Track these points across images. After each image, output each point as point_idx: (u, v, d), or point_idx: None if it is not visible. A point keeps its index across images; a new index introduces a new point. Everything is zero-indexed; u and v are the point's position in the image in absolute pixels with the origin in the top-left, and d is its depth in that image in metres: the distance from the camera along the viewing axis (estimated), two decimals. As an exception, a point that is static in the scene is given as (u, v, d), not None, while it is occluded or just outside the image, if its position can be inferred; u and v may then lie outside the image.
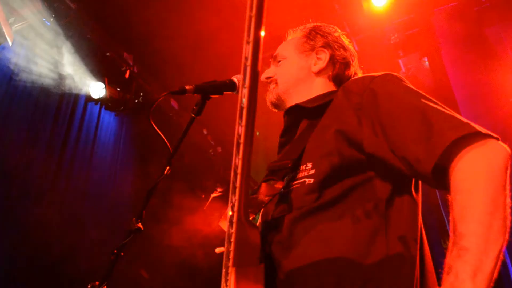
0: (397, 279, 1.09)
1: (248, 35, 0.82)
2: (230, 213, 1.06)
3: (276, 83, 1.59)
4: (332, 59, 1.56)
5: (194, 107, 1.57)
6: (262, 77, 1.62)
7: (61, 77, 4.76)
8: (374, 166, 1.21)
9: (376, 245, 1.12)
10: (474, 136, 1.03)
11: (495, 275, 0.89)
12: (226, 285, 1.14)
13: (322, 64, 1.55)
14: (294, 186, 1.25)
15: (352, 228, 1.15)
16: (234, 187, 0.98)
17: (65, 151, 4.69)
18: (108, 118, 5.44)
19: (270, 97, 1.60)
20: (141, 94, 5.37)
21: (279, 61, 1.62)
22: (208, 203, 6.17)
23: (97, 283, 1.42)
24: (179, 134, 1.57)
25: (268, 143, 7.43)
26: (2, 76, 4.21)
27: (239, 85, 1.58)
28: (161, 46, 4.81)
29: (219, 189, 6.31)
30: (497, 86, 5.03)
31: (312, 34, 1.61)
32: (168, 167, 1.55)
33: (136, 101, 5.29)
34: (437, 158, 1.03)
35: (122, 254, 1.48)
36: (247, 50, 0.83)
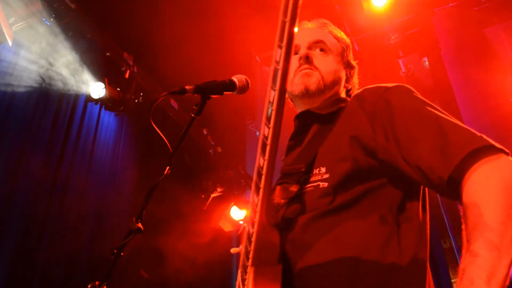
0: (410, 283, 1.12)
1: (281, 40, 0.82)
2: (251, 213, 1.06)
3: (316, 69, 1.50)
4: (353, 85, 1.65)
5: (194, 107, 1.56)
6: (302, 52, 1.51)
7: (61, 77, 4.76)
8: (386, 173, 1.23)
9: (389, 249, 1.15)
10: (489, 149, 1.06)
11: (507, 282, 0.92)
12: (243, 285, 1.15)
13: (350, 86, 1.63)
14: (307, 189, 1.26)
15: (365, 232, 1.17)
16: (258, 188, 0.99)
17: (65, 151, 4.69)
18: (108, 118, 5.44)
19: (310, 82, 1.47)
20: (141, 94, 5.38)
21: (323, 49, 1.55)
22: (208, 203, 6.17)
23: (97, 283, 1.42)
24: (179, 134, 1.57)
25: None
26: (2, 76, 4.21)
27: (239, 85, 1.58)
28: (161, 46, 4.81)
29: (219, 189, 6.31)
30: (497, 86, 5.03)
31: (348, 50, 1.63)
32: (168, 167, 1.55)
33: (136, 101, 5.30)
34: (453, 168, 1.05)
35: (122, 254, 1.48)
36: (279, 54, 0.84)
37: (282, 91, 0.86)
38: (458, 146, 1.07)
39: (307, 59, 1.49)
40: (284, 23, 0.80)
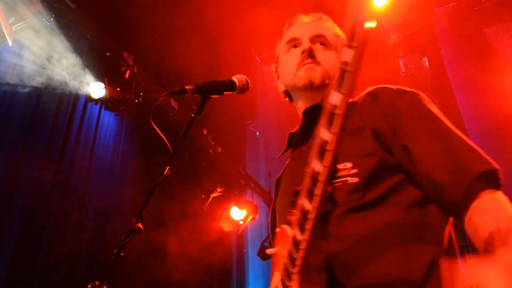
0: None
1: (352, 40, 0.78)
2: (300, 219, 1.02)
3: (319, 64, 1.49)
4: None
5: (194, 107, 1.56)
6: (305, 45, 1.51)
7: (61, 77, 4.76)
8: (403, 170, 1.26)
9: (424, 246, 1.16)
10: (496, 173, 1.12)
11: None
12: None
13: None
14: (336, 185, 1.26)
15: (400, 223, 1.19)
16: (311, 194, 0.95)
17: (65, 151, 4.69)
18: (108, 118, 5.45)
19: (315, 76, 1.47)
20: (141, 94, 5.38)
21: (323, 44, 1.54)
22: (208, 203, 6.17)
23: (97, 283, 1.42)
24: (179, 134, 1.57)
25: (268, 143, 7.44)
26: (2, 76, 4.21)
27: (239, 85, 1.58)
28: (161, 46, 4.82)
29: (219, 189, 6.31)
30: (497, 86, 5.03)
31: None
32: (168, 167, 1.55)
33: (136, 101, 5.30)
34: (464, 190, 1.09)
35: (122, 254, 1.48)
36: (349, 55, 0.80)
37: (349, 94, 0.82)
38: (469, 165, 1.11)
39: (311, 53, 1.49)
40: (357, 22, 0.77)
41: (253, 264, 6.87)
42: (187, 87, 1.51)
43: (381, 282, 1.12)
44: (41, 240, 4.14)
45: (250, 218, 6.14)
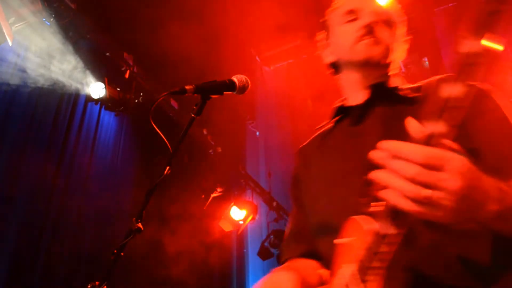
0: None
1: (485, 30, 0.75)
2: (390, 213, 0.95)
3: (380, 42, 1.42)
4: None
5: (194, 107, 1.56)
6: (367, 20, 1.42)
7: (61, 77, 4.76)
8: None
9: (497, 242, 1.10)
10: None
11: None
12: (362, 284, 1.09)
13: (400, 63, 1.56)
14: None
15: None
16: None
17: (65, 151, 4.69)
18: (108, 118, 5.45)
19: (375, 53, 1.40)
20: (141, 94, 5.38)
21: (385, 21, 1.46)
22: (208, 203, 6.18)
23: (97, 283, 1.42)
24: (179, 134, 1.57)
25: (268, 143, 7.44)
26: (2, 76, 4.21)
27: (239, 85, 1.58)
28: (161, 46, 4.81)
29: (219, 189, 6.31)
30: (497, 86, 5.02)
31: (403, 25, 1.57)
32: (168, 167, 1.55)
33: (136, 101, 5.30)
34: None
35: (122, 254, 1.48)
36: (480, 48, 0.76)
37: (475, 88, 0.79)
38: None
39: (372, 29, 1.41)
40: (497, 12, 0.74)
41: (253, 264, 6.87)
42: (187, 87, 1.51)
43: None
44: (41, 240, 4.14)
45: (250, 218, 6.15)
